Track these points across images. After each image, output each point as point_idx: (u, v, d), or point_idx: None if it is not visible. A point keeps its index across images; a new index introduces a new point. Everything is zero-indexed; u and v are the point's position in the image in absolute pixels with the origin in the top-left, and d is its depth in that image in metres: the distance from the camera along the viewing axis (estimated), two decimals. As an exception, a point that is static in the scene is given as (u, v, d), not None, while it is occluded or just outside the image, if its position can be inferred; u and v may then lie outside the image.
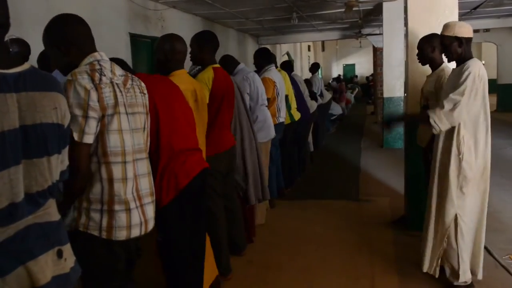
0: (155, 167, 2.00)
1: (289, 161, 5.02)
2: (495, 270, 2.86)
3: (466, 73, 2.40)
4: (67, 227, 1.52)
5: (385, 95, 7.61)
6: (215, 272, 2.68)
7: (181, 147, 2.11)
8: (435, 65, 3.07)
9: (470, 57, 2.53)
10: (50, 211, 1.20)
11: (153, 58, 2.42)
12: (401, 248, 3.27)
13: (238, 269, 3.02)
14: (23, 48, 2.93)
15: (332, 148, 7.96)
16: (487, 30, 12.11)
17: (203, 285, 2.35)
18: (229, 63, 3.84)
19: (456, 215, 2.52)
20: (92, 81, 1.51)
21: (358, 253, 3.25)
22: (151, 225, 1.74)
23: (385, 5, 7.23)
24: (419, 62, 3.17)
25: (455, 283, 2.58)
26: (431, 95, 2.99)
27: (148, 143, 1.81)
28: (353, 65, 25.40)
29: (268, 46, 12.22)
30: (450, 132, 2.51)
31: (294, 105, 4.93)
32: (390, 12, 7.27)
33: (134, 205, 1.63)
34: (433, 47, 3.03)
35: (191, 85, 2.45)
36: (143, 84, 1.80)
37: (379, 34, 9.51)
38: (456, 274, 2.56)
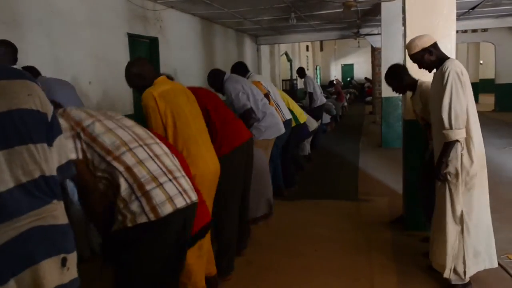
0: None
1: (288, 161, 5.03)
2: (493, 269, 2.86)
3: (447, 73, 2.47)
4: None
5: (384, 94, 7.61)
6: (213, 267, 2.67)
7: None
8: (412, 87, 3.13)
9: (446, 57, 2.61)
10: (56, 214, 1.15)
11: (130, 85, 2.58)
12: (400, 248, 3.28)
13: (238, 269, 3.02)
14: (9, 49, 2.94)
15: (330, 148, 7.96)
16: (485, 30, 12.13)
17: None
18: (240, 70, 4.38)
19: (462, 212, 2.54)
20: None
21: (357, 253, 3.25)
22: (192, 195, 1.77)
23: (383, 5, 7.23)
24: (398, 93, 3.27)
25: (455, 282, 2.59)
26: (424, 112, 3.01)
27: (149, 134, 1.87)
28: (352, 65, 25.43)
29: (266, 46, 12.40)
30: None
31: (296, 109, 5.16)
32: (388, 12, 7.28)
33: (165, 179, 1.69)
34: (400, 77, 3.12)
35: (176, 85, 2.64)
36: None
37: (378, 34, 9.52)
38: (459, 272, 2.56)
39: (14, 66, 2.71)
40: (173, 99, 2.47)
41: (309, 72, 21.53)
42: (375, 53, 10.84)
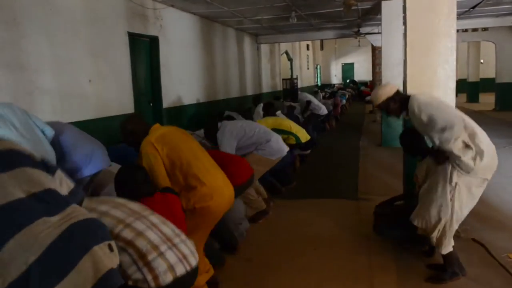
0: None
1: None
2: (493, 268, 2.87)
3: (415, 105, 2.64)
4: None
5: (384, 94, 7.60)
6: (209, 269, 2.66)
7: None
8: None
9: (405, 98, 2.77)
10: (81, 210, 1.29)
11: (124, 142, 2.70)
12: (400, 247, 3.27)
13: (237, 269, 3.02)
14: None
15: (330, 147, 7.96)
16: (485, 29, 12.12)
17: None
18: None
19: (456, 183, 2.63)
20: None
21: (356, 252, 3.25)
22: (192, 260, 1.77)
23: (384, 4, 7.22)
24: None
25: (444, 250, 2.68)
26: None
27: (144, 207, 1.90)
28: (352, 64, 25.42)
29: (266, 45, 12.38)
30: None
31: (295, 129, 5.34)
32: (389, 11, 7.27)
33: (165, 247, 1.70)
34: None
35: (170, 127, 2.79)
36: None
37: (378, 33, 9.51)
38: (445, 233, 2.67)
39: None
40: (172, 139, 2.59)
41: (310, 71, 21.53)
42: (376, 52, 10.84)
